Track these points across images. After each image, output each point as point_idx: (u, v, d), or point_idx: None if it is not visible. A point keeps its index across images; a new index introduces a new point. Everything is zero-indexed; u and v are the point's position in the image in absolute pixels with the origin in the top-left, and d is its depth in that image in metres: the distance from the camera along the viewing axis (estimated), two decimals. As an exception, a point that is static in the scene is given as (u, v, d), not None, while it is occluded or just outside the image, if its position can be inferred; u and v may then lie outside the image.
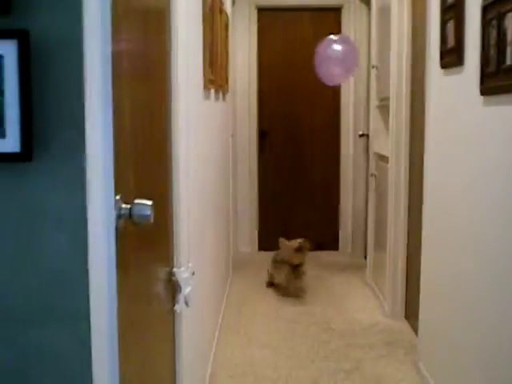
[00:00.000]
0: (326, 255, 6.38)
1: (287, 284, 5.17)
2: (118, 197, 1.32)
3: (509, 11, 2.26)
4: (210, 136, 3.68)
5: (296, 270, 5.17)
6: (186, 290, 2.10)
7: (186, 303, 2.13)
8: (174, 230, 2.22)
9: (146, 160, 1.76)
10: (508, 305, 2.28)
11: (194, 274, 2.24)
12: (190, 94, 2.60)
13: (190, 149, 2.47)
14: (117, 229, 1.29)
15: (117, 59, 1.32)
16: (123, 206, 1.36)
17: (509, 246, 2.28)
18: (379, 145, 5.16)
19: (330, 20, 6.54)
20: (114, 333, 1.25)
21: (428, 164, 3.51)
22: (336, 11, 6.53)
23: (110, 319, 1.22)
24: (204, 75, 3.21)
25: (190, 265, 2.23)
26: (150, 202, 1.40)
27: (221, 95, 4.45)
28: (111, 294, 1.23)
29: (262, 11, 6.56)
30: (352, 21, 6.41)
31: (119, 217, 1.34)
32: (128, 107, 1.53)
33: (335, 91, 6.55)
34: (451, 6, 2.98)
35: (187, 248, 2.34)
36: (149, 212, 1.39)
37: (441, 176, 3.26)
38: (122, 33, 1.46)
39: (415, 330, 3.97)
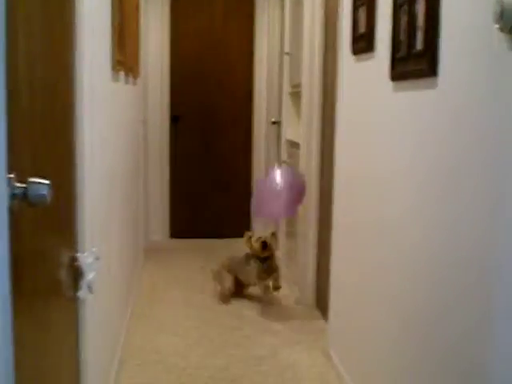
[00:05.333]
0: (239, 243, 6.35)
1: (258, 280, 4.59)
2: (11, 175, 1.22)
3: (419, -3, 2.26)
4: (118, 117, 3.57)
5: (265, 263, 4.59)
6: (90, 275, 2.01)
7: (90, 289, 2.04)
8: (77, 213, 2.13)
9: (45, 138, 1.66)
10: (414, 294, 2.30)
11: (98, 259, 2.15)
12: (97, 73, 2.50)
13: (94, 129, 2.37)
14: (10, 209, 1.19)
15: (13, 35, 1.22)
16: (17, 184, 1.27)
17: (418, 236, 2.29)
18: (291, 132, 5.16)
19: (244, 7, 6.50)
20: (7, 319, 1.16)
21: (339, 151, 3.52)
22: (250, -2, 6.50)
23: (2, 308, 1.13)
24: (112, 56, 3.10)
25: (94, 250, 2.14)
26: (47, 182, 1.31)
27: (131, 78, 4.33)
28: (3, 280, 1.14)
29: (174, -5, 6.45)
30: (266, 7, 6.39)
31: (13, 197, 1.24)
32: (25, 84, 1.43)
33: (248, 78, 6.54)
34: (363, -8, 2.98)
35: (91, 233, 2.25)
36: (45, 192, 1.31)
37: (351, 163, 3.26)
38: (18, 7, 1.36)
39: (325, 317, 3.99)
